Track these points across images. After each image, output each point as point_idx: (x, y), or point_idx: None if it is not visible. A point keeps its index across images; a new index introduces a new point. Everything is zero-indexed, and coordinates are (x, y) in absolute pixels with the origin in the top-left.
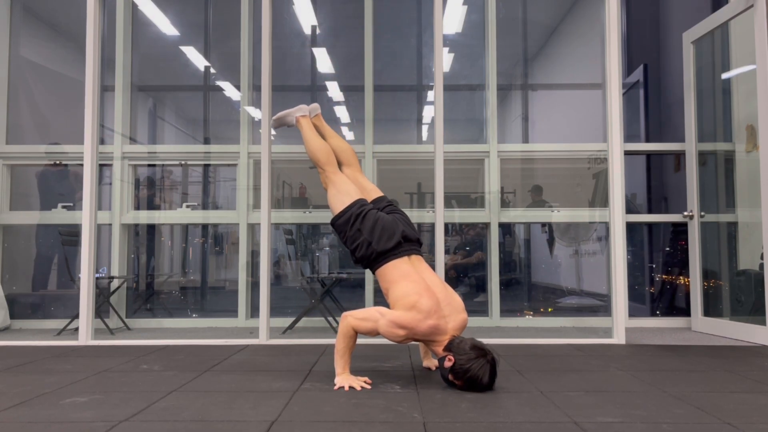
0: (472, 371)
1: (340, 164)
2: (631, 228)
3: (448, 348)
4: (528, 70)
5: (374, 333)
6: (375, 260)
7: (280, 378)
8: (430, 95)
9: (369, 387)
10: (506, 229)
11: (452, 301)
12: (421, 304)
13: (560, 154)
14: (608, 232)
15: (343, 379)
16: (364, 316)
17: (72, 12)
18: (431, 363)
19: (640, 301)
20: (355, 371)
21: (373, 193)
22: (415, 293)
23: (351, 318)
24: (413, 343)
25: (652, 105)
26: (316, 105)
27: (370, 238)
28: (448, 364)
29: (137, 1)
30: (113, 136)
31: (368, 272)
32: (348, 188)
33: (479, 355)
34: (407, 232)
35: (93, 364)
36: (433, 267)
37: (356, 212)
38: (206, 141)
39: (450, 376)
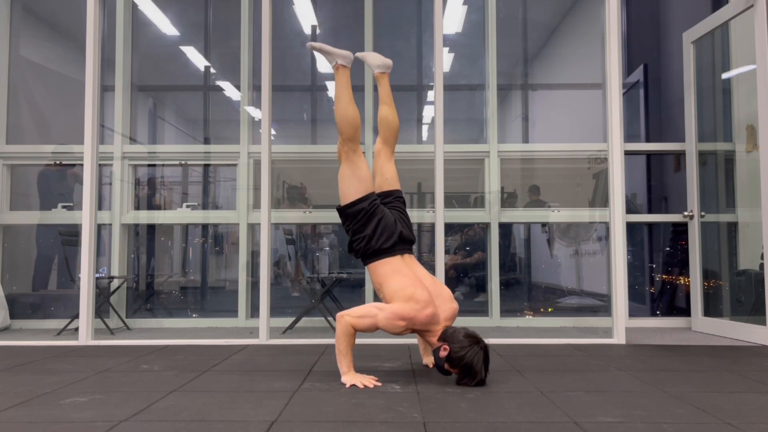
0: (467, 358)
1: (379, 135)
2: (631, 228)
3: (443, 338)
4: (528, 70)
5: (374, 329)
6: (370, 255)
7: (280, 378)
8: (430, 95)
9: (380, 384)
10: (505, 229)
11: (442, 292)
12: (417, 295)
13: (560, 154)
14: (608, 232)
15: (350, 377)
16: (362, 313)
17: (72, 12)
18: (431, 361)
19: (640, 301)
20: (355, 371)
21: (391, 182)
22: (410, 286)
23: (348, 317)
24: (413, 343)
25: (652, 105)
26: (382, 60)
27: (371, 236)
28: (443, 353)
29: (137, 1)
30: (113, 136)
31: (368, 272)
32: (363, 174)
33: (473, 343)
34: (405, 233)
35: (93, 364)
36: (433, 267)
37: (366, 208)
38: (206, 141)
39: (446, 365)
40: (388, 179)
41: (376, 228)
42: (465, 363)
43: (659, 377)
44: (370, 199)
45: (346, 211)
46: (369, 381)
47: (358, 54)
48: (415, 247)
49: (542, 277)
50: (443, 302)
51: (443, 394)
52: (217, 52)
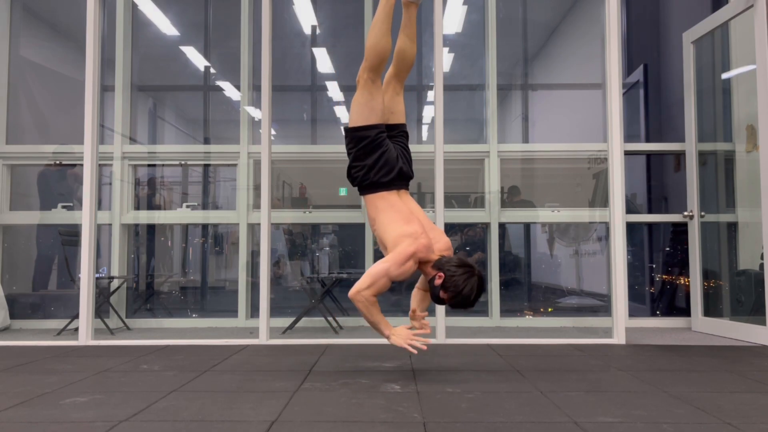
0: (462, 285)
1: (391, 65)
2: (631, 228)
3: (438, 267)
4: (528, 70)
5: (389, 284)
6: (367, 187)
7: (280, 378)
8: (430, 95)
9: (425, 348)
10: (505, 230)
11: (434, 228)
12: (409, 230)
13: (560, 154)
14: (608, 232)
15: (397, 338)
16: (372, 279)
17: (72, 12)
18: (419, 303)
19: (640, 301)
20: (355, 371)
21: (398, 116)
22: (404, 223)
23: (363, 292)
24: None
25: (652, 105)
26: None
27: (372, 167)
28: (438, 281)
29: (137, 1)
30: (113, 136)
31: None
32: (377, 105)
33: (467, 272)
34: (404, 169)
35: (93, 364)
36: None
37: (373, 137)
38: (206, 141)
39: (441, 292)
40: (396, 113)
41: (377, 160)
42: (460, 290)
43: (659, 377)
44: (378, 130)
45: (353, 134)
46: (415, 340)
47: None
48: None
49: (542, 277)
50: (437, 234)
51: (443, 394)
52: (217, 52)
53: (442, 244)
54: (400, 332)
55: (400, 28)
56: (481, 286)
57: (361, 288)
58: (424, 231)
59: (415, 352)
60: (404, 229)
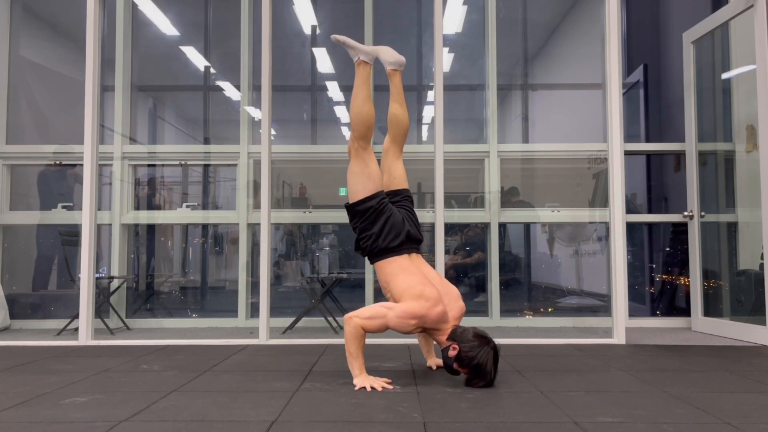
0: (478, 358)
1: (388, 132)
2: (631, 228)
3: (452, 337)
4: (528, 70)
5: (384, 329)
6: (377, 254)
7: (280, 378)
8: (430, 95)
9: (391, 388)
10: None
11: (450, 290)
12: (427, 293)
13: (560, 154)
14: (608, 232)
15: (362, 379)
16: (371, 314)
17: (72, 12)
18: (434, 362)
19: (640, 301)
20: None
21: (399, 181)
22: (419, 284)
23: (357, 319)
24: (413, 342)
25: (652, 105)
26: (395, 57)
27: (379, 234)
28: (452, 353)
29: (137, 1)
30: (113, 136)
31: (368, 272)
32: (373, 172)
33: (483, 344)
34: (412, 232)
35: (93, 364)
36: (433, 267)
37: (375, 207)
38: (206, 141)
39: (455, 365)
40: (397, 178)
41: (383, 226)
42: (475, 363)
43: (659, 377)
44: (379, 198)
45: (355, 209)
46: (382, 383)
47: (370, 47)
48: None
49: (542, 277)
50: (451, 300)
51: (443, 394)
52: (217, 52)
53: (456, 311)
54: (367, 378)
55: (390, 97)
56: (497, 359)
57: (358, 315)
58: (441, 298)
59: (379, 390)
60: (422, 290)
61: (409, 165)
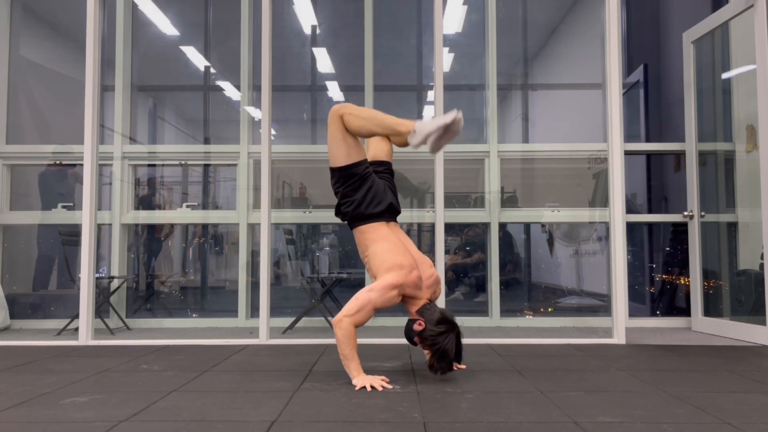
0: (442, 344)
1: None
2: (631, 228)
3: (420, 312)
4: (528, 70)
5: (373, 313)
6: (358, 219)
7: (280, 378)
8: (430, 95)
9: (390, 387)
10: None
11: (424, 260)
12: (401, 261)
13: (560, 154)
14: (608, 232)
15: (362, 379)
16: (357, 306)
17: (72, 12)
18: None
19: (640, 301)
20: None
21: (385, 155)
22: (396, 253)
23: (347, 318)
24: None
25: (652, 105)
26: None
27: (361, 201)
28: (417, 327)
29: (137, 1)
30: (113, 136)
31: (368, 273)
32: (351, 140)
33: (448, 330)
34: (394, 203)
35: (93, 364)
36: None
37: (361, 173)
38: (206, 141)
39: (416, 338)
40: (384, 150)
41: (366, 194)
42: (438, 348)
43: (659, 377)
44: (364, 165)
45: (340, 173)
46: (380, 382)
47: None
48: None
49: (542, 277)
50: (425, 268)
51: (443, 394)
52: (217, 52)
53: (432, 280)
54: (366, 378)
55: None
56: (459, 343)
57: (346, 314)
58: (416, 264)
59: (379, 389)
60: (397, 259)
61: (409, 165)
